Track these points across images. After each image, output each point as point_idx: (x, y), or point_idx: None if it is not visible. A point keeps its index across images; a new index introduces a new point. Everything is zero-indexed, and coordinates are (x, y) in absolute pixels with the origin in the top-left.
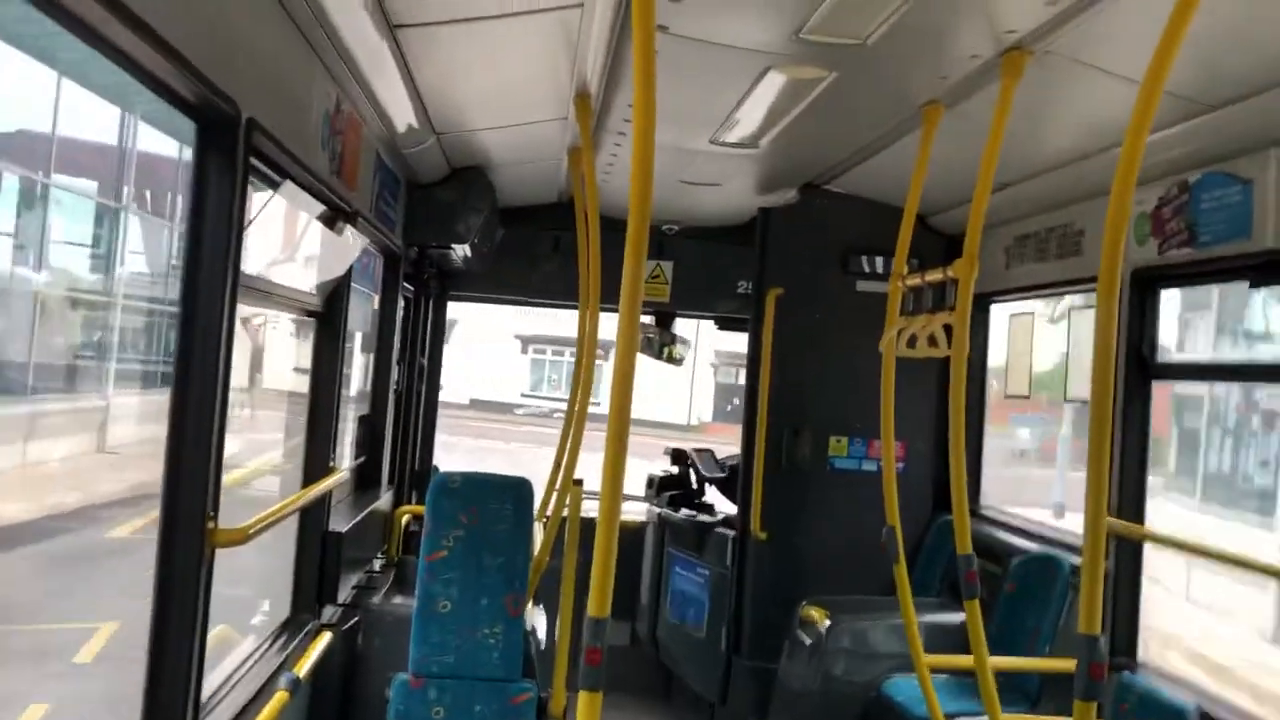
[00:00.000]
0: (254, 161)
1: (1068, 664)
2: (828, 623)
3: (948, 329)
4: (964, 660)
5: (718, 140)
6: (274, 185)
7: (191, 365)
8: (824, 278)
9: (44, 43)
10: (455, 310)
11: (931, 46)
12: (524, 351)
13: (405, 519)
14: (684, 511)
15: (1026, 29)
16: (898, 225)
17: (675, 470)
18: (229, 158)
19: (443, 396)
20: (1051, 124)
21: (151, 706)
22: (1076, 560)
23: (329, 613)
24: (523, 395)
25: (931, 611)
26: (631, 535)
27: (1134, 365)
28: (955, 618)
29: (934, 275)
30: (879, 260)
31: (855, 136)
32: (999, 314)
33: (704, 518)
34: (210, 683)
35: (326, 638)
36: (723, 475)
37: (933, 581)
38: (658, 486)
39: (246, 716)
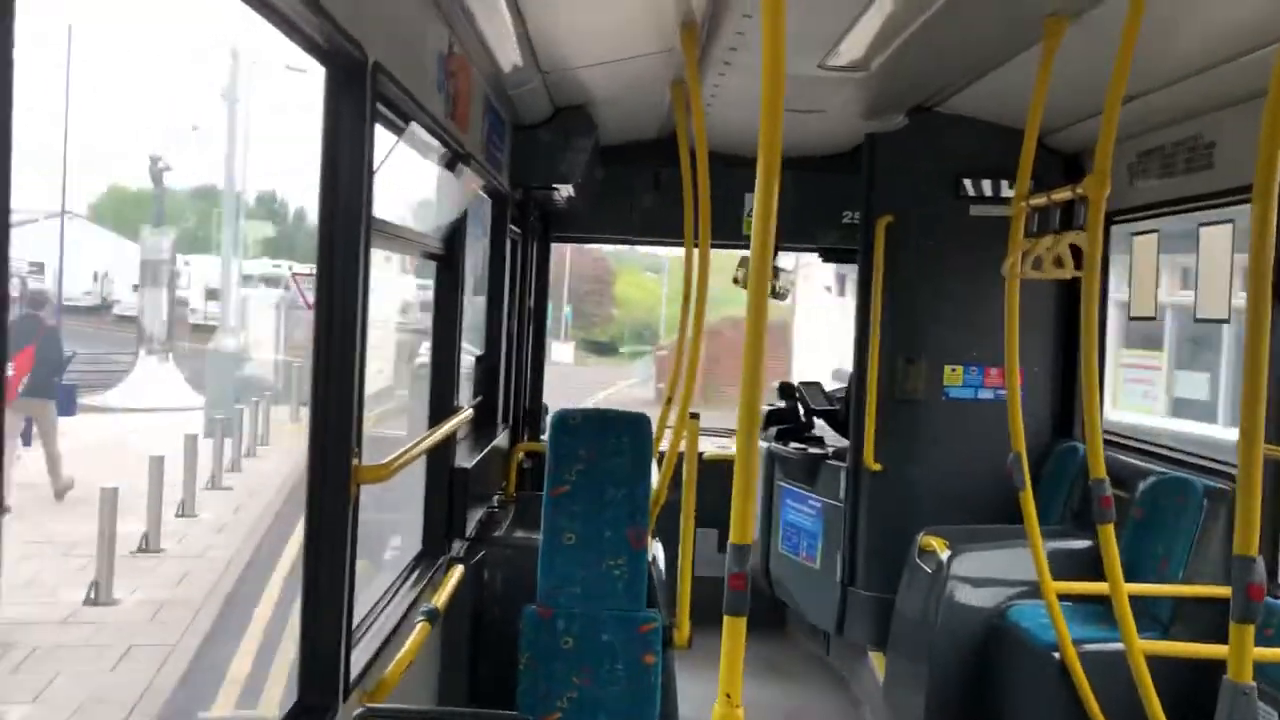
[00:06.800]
0: (379, 106)
1: (1209, 590)
2: (948, 552)
3: (1074, 250)
4: (1095, 586)
5: (826, 64)
6: (397, 130)
7: (333, 307)
8: (935, 203)
9: None
10: None
11: None
12: None
13: (520, 456)
14: (793, 445)
15: None
16: (1011, 146)
17: (783, 404)
18: (358, 102)
19: None
20: (1181, 30)
21: (309, 634)
22: (1211, 483)
23: (457, 547)
24: None
25: (1055, 539)
26: None
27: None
28: (1079, 545)
29: (1061, 194)
30: (990, 184)
31: (970, 55)
32: (1118, 235)
33: (815, 450)
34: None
35: (458, 570)
36: (831, 408)
37: (1054, 509)
38: (765, 421)
39: (391, 645)
